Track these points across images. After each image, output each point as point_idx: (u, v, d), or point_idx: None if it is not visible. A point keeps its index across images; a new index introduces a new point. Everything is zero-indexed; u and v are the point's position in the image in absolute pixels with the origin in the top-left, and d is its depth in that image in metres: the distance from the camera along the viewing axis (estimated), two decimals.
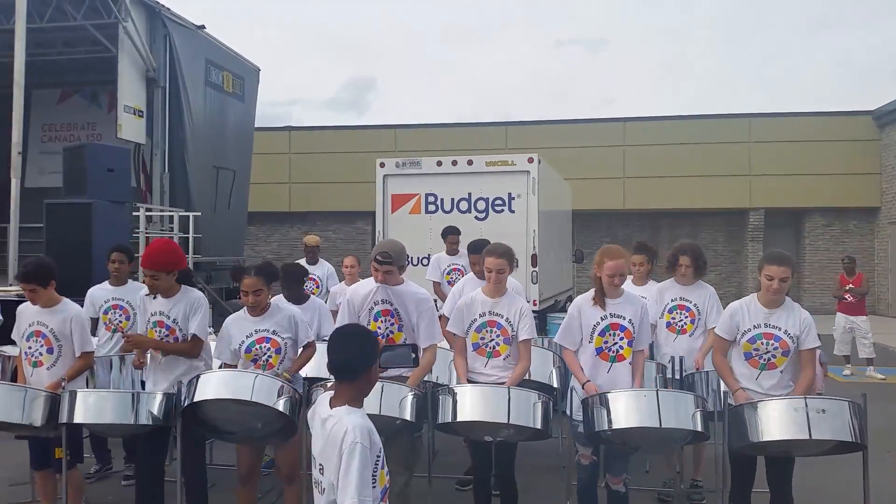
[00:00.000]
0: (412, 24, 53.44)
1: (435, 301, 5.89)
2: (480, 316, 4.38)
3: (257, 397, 3.85)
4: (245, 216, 14.20)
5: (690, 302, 5.23)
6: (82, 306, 5.22)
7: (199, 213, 10.92)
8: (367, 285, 4.32)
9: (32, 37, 9.60)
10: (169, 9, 11.06)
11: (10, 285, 7.98)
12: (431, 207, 9.59)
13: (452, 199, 9.50)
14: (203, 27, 11.89)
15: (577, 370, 4.18)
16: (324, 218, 20.53)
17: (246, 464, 4.32)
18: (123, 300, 5.57)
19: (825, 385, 5.37)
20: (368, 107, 55.00)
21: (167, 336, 4.29)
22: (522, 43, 52.36)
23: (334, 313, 5.77)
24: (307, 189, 20.27)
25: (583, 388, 4.06)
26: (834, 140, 18.76)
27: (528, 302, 8.91)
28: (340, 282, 7.32)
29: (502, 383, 4.17)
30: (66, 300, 4.47)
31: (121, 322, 5.57)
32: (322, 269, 7.64)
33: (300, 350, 4.42)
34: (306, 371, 4.73)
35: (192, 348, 4.31)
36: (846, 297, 10.19)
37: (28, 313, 4.42)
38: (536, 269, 9.17)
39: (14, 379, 4.77)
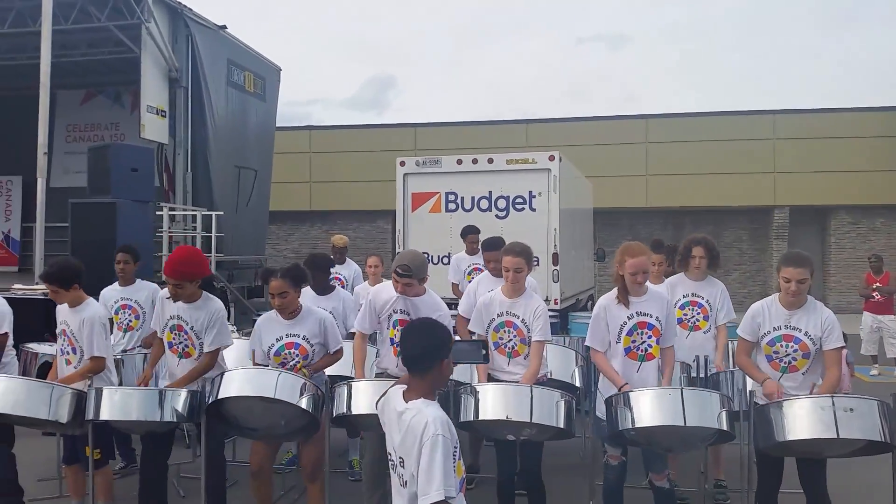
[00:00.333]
0: (432, 23, 53.45)
1: (454, 303, 5.89)
2: (498, 316, 4.39)
3: (280, 395, 3.87)
4: (266, 215, 14.27)
5: (702, 298, 5.16)
6: None
7: (222, 213, 10.99)
8: (389, 290, 4.36)
9: (57, 38, 9.71)
10: (191, 9, 11.14)
11: (37, 284, 8.08)
12: (451, 206, 9.58)
13: (473, 198, 9.49)
14: (225, 27, 11.97)
15: (611, 373, 4.08)
16: (344, 217, 20.61)
17: (257, 458, 4.33)
18: (131, 300, 5.65)
19: (851, 385, 5.30)
20: (388, 105, 55.14)
21: (185, 340, 4.33)
22: (543, 40, 52.17)
23: None
24: (327, 188, 20.34)
25: (619, 391, 3.97)
26: (860, 136, 18.47)
27: (549, 301, 8.94)
28: (365, 281, 7.33)
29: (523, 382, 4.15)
30: (89, 301, 4.49)
31: (130, 321, 5.65)
32: (349, 270, 7.66)
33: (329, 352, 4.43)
34: (330, 369, 4.74)
35: (210, 363, 4.34)
36: (873, 295, 10.04)
37: (60, 311, 4.49)
38: (557, 267, 9.13)
39: (42, 376, 4.83)
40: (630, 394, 3.84)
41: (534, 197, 9.29)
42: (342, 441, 5.90)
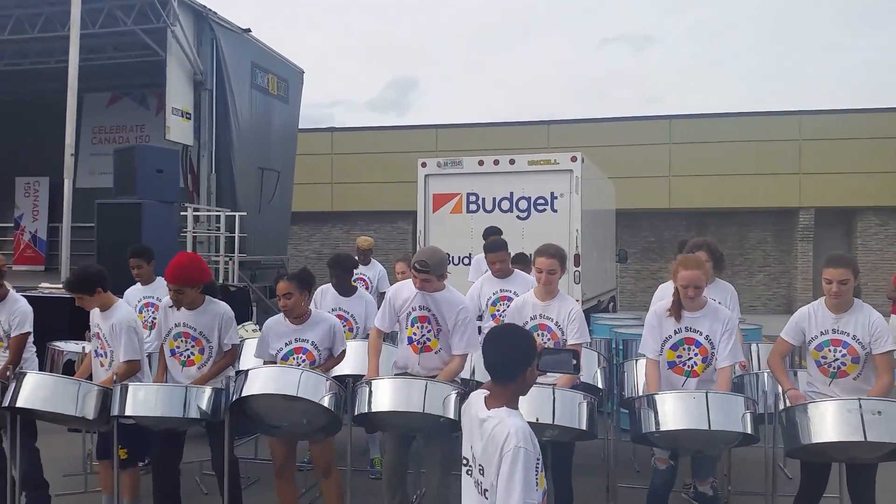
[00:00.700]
0: (454, 24, 53.45)
1: None
2: (531, 319, 4.36)
3: (303, 393, 3.89)
4: (288, 216, 14.35)
5: (714, 301, 5.10)
6: None
7: (245, 213, 11.08)
8: (409, 288, 4.32)
9: (85, 42, 9.84)
10: (216, 13, 11.24)
11: (63, 283, 8.19)
12: (473, 207, 9.57)
13: (494, 199, 9.48)
14: (249, 30, 12.06)
15: (653, 384, 4.04)
16: (365, 217, 20.68)
17: (280, 457, 4.36)
18: (153, 297, 5.72)
19: None
20: (409, 107, 55.27)
21: (193, 347, 4.35)
22: (565, 41, 52.00)
23: None
24: (349, 189, 20.43)
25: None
26: (887, 137, 18.19)
27: None
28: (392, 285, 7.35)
29: (546, 384, 4.13)
30: (118, 305, 4.51)
31: (154, 318, 5.71)
32: (374, 271, 7.68)
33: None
34: (349, 369, 4.77)
35: (230, 360, 4.40)
36: None
37: (94, 315, 4.53)
38: (579, 269, 9.09)
39: (67, 374, 4.90)
40: (655, 396, 3.82)
41: (555, 198, 9.25)
42: (363, 439, 5.92)
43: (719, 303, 4.97)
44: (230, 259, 10.56)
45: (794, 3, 48.52)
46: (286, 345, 4.34)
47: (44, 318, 4.96)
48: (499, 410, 2.43)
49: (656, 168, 18.94)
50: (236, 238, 10.64)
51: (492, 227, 7.94)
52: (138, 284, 5.81)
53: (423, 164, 9.77)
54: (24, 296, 5.03)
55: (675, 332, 4.06)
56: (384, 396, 3.97)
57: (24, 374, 4.23)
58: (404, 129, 21.04)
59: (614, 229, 13.22)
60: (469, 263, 8.68)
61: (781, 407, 3.95)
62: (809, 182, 18.53)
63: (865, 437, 3.50)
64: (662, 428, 3.76)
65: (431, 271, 4.12)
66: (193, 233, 10.39)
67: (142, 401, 4.06)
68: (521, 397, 3.92)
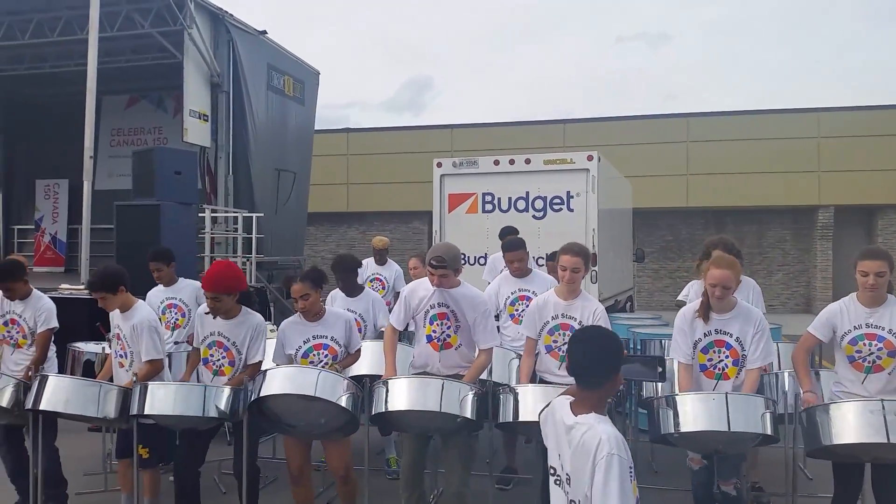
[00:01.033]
0: (470, 23, 53.44)
1: None
2: (553, 318, 4.33)
3: (321, 393, 3.90)
4: (305, 217, 14.40)
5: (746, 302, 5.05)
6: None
7: (262, 214, 11.13)
8: (425, 287, 4.29)
9: (103, 45, 9.92)
10: (232, 15, 11.30)
11: (82, 284, 8.27)
12: (488, 207, 9.57)
13: (510, 199, 9.47)
14: (265, 32, 12.11)
15: (684, 387, 4.00)
16: (381, 218, 20.73)
17: (296, 464, 4.36)
18: (176, 298, 5.77)
19: None
20: (425, 107, 55.35)
21: (223, 357, 4.36)
22: (581, 40, 51.84)
23: None
24: (365, 190, 20.48)
25: None
26: None
27: None
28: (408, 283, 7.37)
29: (563, 384, 4.11)
30: (138, 305, 4.54)
31: (177, 319, 5.76)
32: (390, 271, 7.70)
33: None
34: (365, 369, 4.78)
35: (253, 375, 4.37)
36: None
37: (114, 317, 4.56)
38: (596, 268, 9.05)
39: (86, 374, 4.95)
40: (675, 397, 3.79)
41: (572, 197, 9.23)
42: (379, 440, 5.93)
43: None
44: (248, 260, 10.61)
45: None
46: (304, 342, 4.35)
47: (64, 319, 5.02)
48: (587, 417, 2.34)
49: (674, 166, 18.82)
50: (253, 239, 10.70)
51: (507, 226, 7.92)
52: (161, 286, 5.86)
53: (439, 165, 9.78)
54: None
55: (705, 335, 4.01)
56: (401, 396, 3.97)
57: (46, 377, 4.29)
58: (420, 130, 21.07)
59: (631, 228, 13.16)
60: (485, 263, 8.69)
61: (802, 407, 3.90)
62: (829, 180, 18.33)
63: (888, 439, 3.45)
64: (682, 429, 3.73)
65: (448, 266, 4.10)
66: (211, 234, 10.45)
67: (161, 400, 4.09)
68: (537, 398, 3.95)
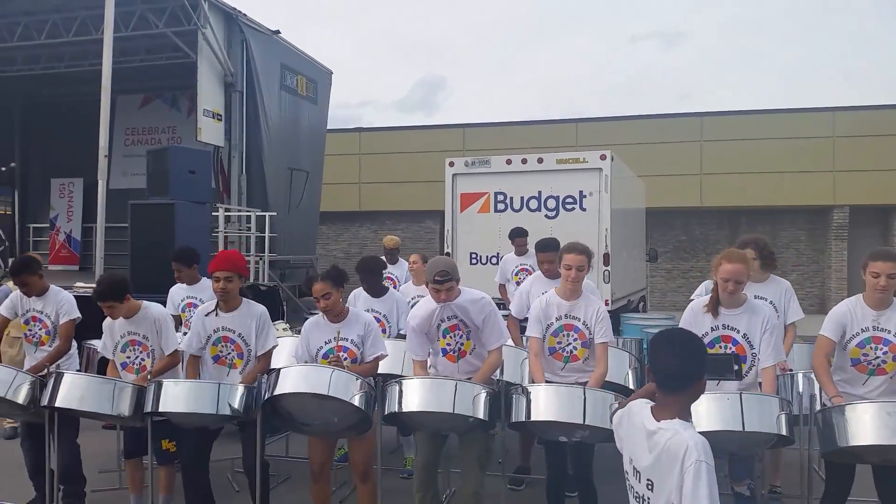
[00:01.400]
0: (482, 23, 53.38)
1: (500, 304, 5.84)
2: (557, 319, 4.30)
3: (334, 392, 3.91)
4: (317, 216, 14.45)
5: (766, 299, 4.94)
6: (164, 303, 5.43)
7: (275, 213, 11.18)
8: (426, 306, 4.25)
9: (117, 45, 10.01)
10: (246, 15, 11.35)
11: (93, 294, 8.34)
12: (501, 206, 9.56)
13: (522, 198, 9.45)
14: (278, 32, 12.16)
15: None
16: (392, 217, 20.74)
17: (318, 461, 4.38)
18: (197, 298, 5.78)
19: None
20: (437, 107, 55.39)
21: (232, 351, 4.38)
22: (595, 39, 51.68)
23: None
24: (377, 189, 20.51)
25: None
26: None
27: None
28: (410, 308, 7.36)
29: (576, 384, 4.10)
30: (145, 305, 4.59)
31: None
32: (401, 269, 7.72)
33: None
34: (383, 368, 4.77)
35: (266, 366, 4.42)
36: None
37: (116, 326, 4.56)
38: (608, 268, 9.02)
39: (101, 371, 4.98)
40: None
41: (584, 197, 9.20)
42: (392, 439, 5.93)
43: (771, 302, 4.85)
44: (261, 259, 10.66)
45: None
46: (326, 343, 4.35)
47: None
48: (671, 422, 2.28)
49: (687, 166, 18.71)
50: (266, 238, 10.75)
51: (517, 227, 7.90)
52: (184, 284, 5.89)
53: (451, 164, 9.77)
54: None
55: (712, 330, 3.98)
56: (414, 396, 3.98)
57: (61, 374, 4.32)
58: (432, 129, 21.06)
59: (644, 228, 13.10)
60: (496, 263, 8.67)
61: (818, 408, 3.87)
62: (844, 179, 18.18)
63: None
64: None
65: (453, 277, 4.08)
66: (225, 233, 10.51)
67: (175, 397, 4.11)
68: (550, 397, 3.93)
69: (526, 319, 4.62)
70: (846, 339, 3.90)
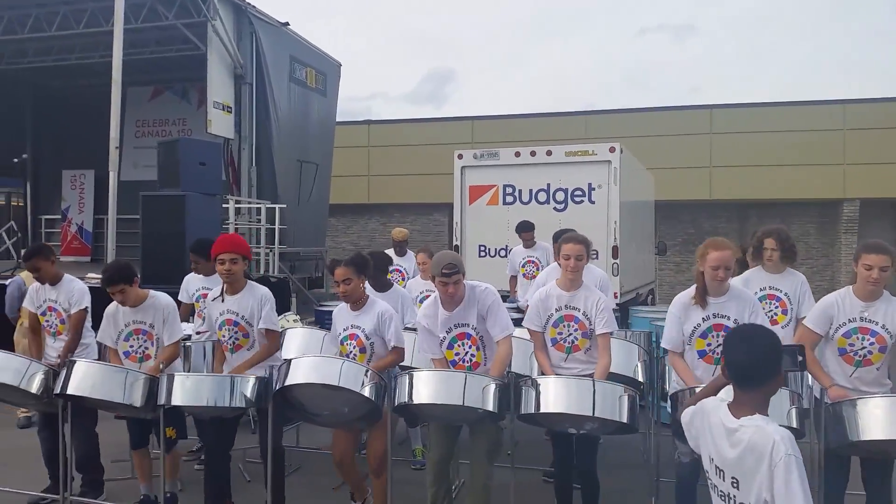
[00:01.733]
0: (491, 15, 53.19)
1: (506, 296, 5.84)
2: (557, 311, 4.30)
3: (344, 382, 3.94)
4: (326, 208, 14.48)
5: (781, 291, 4.94)
6: (176, 294, 5.47)
7: (285, 206, 11.21)
8: (432, 309, 4.27)
9: (128, 37, 10.03)
10: (255, 6, 11.35)
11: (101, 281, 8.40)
12: (509, 199, 9.55)
13: (531, 191, 9.44)
14: (287, 24, 12.16)
15: (686, 374, 3.98)
16: (401, 210, 20.75)
17: (339, 451, 4.44)
18: (211, 289, 5.81)
19: None
20: (446, 99, 55.32)
21: (236, 334, 4.43)
22: (604, 31, 51.42)
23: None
24: (385, 181, 20.51)
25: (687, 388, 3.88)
26: None
27: (609, 295, 8.83)
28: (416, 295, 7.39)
29: (584, 376, 4.11)
30: (152, 293, 4.64)
31: None
32: (409, 262, 7.75)
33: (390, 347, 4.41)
34: None
35: (273, 347, 4.47)
36: None
37: (121, 315, 4.60)
38: (617, 261, 9.01)
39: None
40: (696, 389, 3.75)
41: (593, 189, 9.18)
42: (403, 429, 5.96)
43: (786, 294, 4.88)
44: (271, 251, 10.69)
45: None
46: (344, 330, 4.42)
47: (91, 307, 5.10)
48: (752, 418, 2.29)
49: (697, 159, 18.62)
50: (276, 230, 10.78)
51: (524, 221, 7.92)
52: (200, 274, 5.94)
53: (460, 156, 9.77)
54: None
55: (704, 320, 3.98)
56: (424, 388, 3.99)
57: (73, 362, 4.36)
58: (441, 122, 21.04)
59: (653, 221, 13.07)
60: (505, 256, 8.68)
61: (827, 401, 3.87)
62: (854, 173, 18.06)
63: None
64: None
65: (460, 269, 4.10)
66: (235, 224, 10.55)
67: (189, 390, 4.15)
68: (559, 389, 3.94)
69: None
70: (832, 329, 3.90)
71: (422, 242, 18.34)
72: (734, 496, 2.31)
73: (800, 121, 18.22)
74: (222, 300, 4.44)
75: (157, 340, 4.57)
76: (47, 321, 5.01)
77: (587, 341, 4.26)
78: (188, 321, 5.75)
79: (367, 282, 5.64)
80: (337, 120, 14.78)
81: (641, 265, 11.25)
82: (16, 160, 13.27)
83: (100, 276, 4.57)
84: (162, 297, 4.63)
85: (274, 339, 4.49)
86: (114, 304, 4.60)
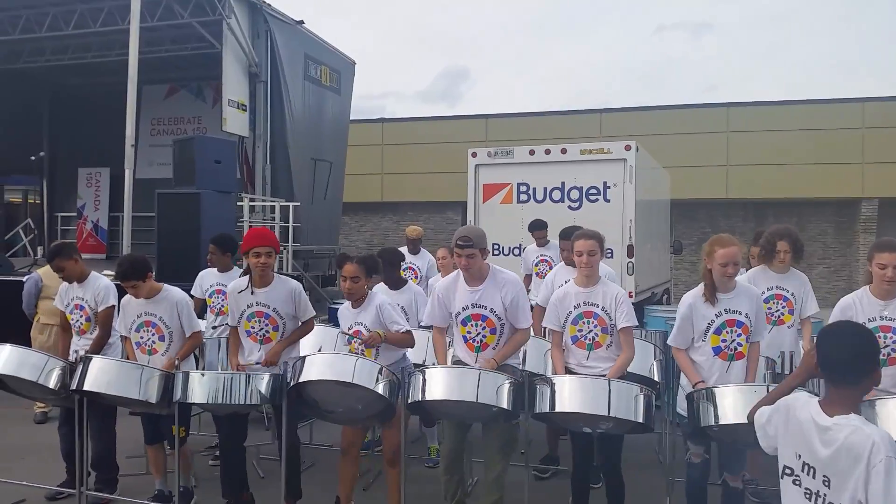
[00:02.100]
0: (506, 13, 53.09)
1: None
2: (575, 308, 4.26)
3: (358, 380, 3.93)
4: (340, 206, 14.51)
5: (787, 291, 4.96)
6: (190, 290, 5.49)
7: (299, 203, 11.23)
8: (453, 285, 4.28)
9: (143, 35, 10.09)
10: (270, 5, 11.40)
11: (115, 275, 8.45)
12: (523, 197, 9.50)
13: (545, 189, 9.38)
14: (302, 22, 12.19)
15: (690, 370, 3.97)
16: (415, 208, 20.76)
17: (348, 438, 4.48)
18: (226, 286, 5.82)
19: None
20: (461, 97, 55.29)
21: (266, 326, 4.45)
22: (621, 29, 51.21)
23: None
24: (399, 179, 20.53)
25: (693, 388, 3.86)
26: None
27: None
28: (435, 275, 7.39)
29: (600, 375, 4.08)
30: (165, 287, 4.67)
31: (223, 306, 5.82)
32: (423, 260, 7.73)
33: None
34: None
35: (308, 329, 4.61)
36: None
37: (133, 306, 4.63)
38: (632, 260, 8.95)
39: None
40: (714, 390, 3.72)
41: (608, 188, 9.11)
42: (414, 429, 5.95)
43: (792, 294, 4.92)
44: (285, 248, 10.73)
45: None
46: (349, 329, 4.45)
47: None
48: (848, 418, 2.25)
49: (713, 157, 18.49)
50: (290, 228, 10.81)
51: (537, 220, 7.88)
52: (216, 270, 5.95)
53: (474, 154, 9.73)
54: None
55: (717, 317, 3.95)
56: (437, 385, 3.97)
57: (89, 358, 4.38)
58: (454, 120, 21.03)
59: (669, 220, 12.97)
60: (519, 254, 8.65)
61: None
62: (873, 172, 17.87)
63: None
64: (722, 422, 3.67)
65: (475, 244, 4.08)
66: (249, 222, 10.59)
67: (204, 386, 4.16)
68: (574, 388, 3.92)
69: None
70: None
71: (435, 241, 18.33)
72: (824, 494, 2.28)
73: (818, 119, 18.04)
74: (251, 293, 4.44)
75: (166, 335, 4.57)
76: (74, 319, 5.04)
77: (608, 337, 4.22)
78: (201, 317, 5.77)
79: (381, 278, 5.68)
80: (351, 118, 14.81)
81: (657, 264, 11.17)
82: (32, 158, 13.39)
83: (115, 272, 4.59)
84: (175, 292, 4.65)
85: (311, 324, 4.63)
86: (128, 295, 4.65)
